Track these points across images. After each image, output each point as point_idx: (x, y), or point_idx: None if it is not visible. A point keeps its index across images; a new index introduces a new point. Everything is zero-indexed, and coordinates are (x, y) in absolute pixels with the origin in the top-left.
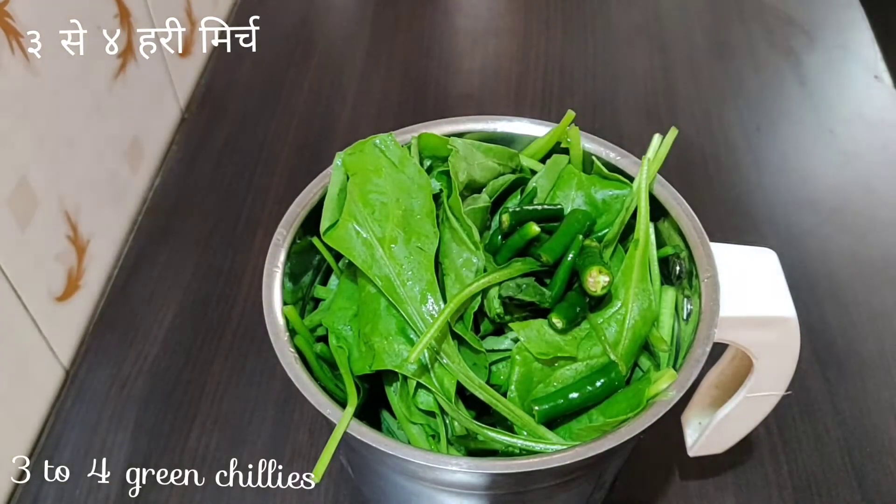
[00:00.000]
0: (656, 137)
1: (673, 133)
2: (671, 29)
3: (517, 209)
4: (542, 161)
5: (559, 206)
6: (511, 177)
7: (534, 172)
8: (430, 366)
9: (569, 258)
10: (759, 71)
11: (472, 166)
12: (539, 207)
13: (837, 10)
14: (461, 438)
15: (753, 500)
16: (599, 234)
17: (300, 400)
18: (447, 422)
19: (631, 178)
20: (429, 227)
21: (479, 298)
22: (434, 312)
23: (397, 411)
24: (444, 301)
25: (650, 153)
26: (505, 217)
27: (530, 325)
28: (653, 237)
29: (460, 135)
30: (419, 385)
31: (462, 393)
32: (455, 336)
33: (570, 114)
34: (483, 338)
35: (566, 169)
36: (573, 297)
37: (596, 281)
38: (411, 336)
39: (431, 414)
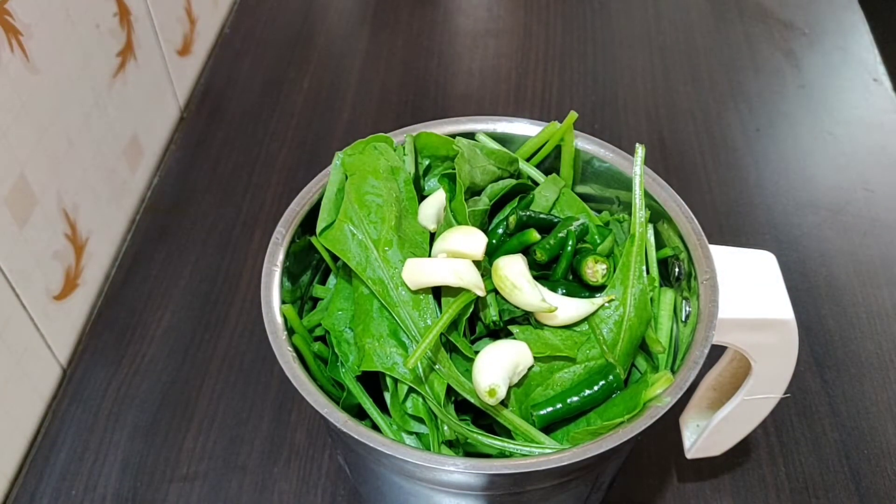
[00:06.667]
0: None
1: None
2: (671, 30)
3: (529, 213)
4: (543, 162)
5: (567, 218)
6: (511, 182)
7: (532, 179)
8: (420, 370)
9: (568, 247)
10: (759, 72)
11: (474, 169)
12: (544, 216)
13: (837, 13)
14: (452, 444)
15: (751, 503)
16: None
17: (298, 399)
18: (438, 426)
19: (629, 179)
20: (419, 238)
21: (472, 304)
22: (427, 317)
23: (393, 418)
24: (437, 306)
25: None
26: (512, 218)
27: (528, 328)
28: (652, 238)
29: (464, 134)
30: (410, 390)
31: (456, 400)
32: (447, 342)
33: (573, 114)
34: (478, 340)
35: (567, 193)
36: (573, 287)
37: (595, 270)
38: (403, 339)
39: (421, 420)
